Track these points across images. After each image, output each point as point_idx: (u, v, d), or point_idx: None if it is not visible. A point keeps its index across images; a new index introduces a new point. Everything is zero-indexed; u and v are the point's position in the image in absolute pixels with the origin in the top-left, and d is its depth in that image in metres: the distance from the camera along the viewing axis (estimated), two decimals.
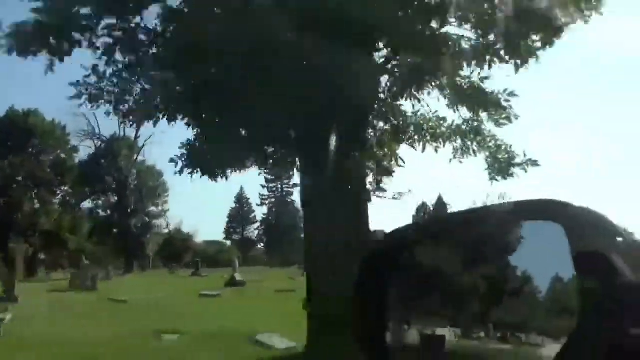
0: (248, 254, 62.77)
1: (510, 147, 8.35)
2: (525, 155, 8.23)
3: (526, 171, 8.22)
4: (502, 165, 8.22)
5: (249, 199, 69.80)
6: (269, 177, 68.93)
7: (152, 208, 46.06)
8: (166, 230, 65.83)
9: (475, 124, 8.32)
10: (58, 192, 41.76)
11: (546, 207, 0.76)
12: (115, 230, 41.66)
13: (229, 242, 67.93)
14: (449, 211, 75.55)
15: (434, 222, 1.61)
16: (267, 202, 70.10)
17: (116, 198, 44.51)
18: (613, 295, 0.66)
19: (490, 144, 8.38)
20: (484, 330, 0.83)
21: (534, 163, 8.17)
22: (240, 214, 68.34)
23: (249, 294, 19.17)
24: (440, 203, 76.48)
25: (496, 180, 8.33)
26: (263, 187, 69.40)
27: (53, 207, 40.49)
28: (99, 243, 39.44)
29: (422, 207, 76.63)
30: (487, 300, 0.84)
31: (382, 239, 1.38)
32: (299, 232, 65.34)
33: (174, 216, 62.84)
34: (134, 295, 18.53)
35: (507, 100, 7.77)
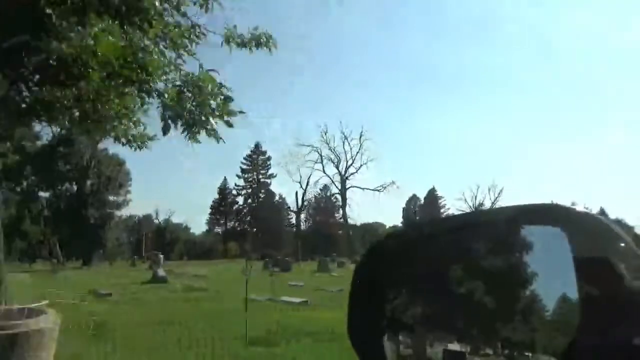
0: (230, 245, 60.60)
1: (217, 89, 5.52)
2: (224, 100, 5.40)
3: (230, 125, 5.55)
4: (193, 114, 5.45)
5: (232, 190, 67.50)
6: (245, 167, 66.72)
7: (113, 198, 43.94)
8: (156, 221, 65.31)
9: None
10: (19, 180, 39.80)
11: (549, 212, 0.76)
12: (73, 221, 39.65)
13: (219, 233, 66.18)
14: (440, 203, 73.07)
15: (431, 223, 1.53)
16: (242, 192, 67.62)
17: (75, 187, 42.48)
18: (619, 304, 0.66)
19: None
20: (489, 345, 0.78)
21: (231, 112, 5.51)
22: (222, 205, 66.00)
23: (149, 293, 17.03)
24: (432, 195, 74.24)
25: (196, 140, 5.61)
26: (239, 177, 67.04)
27: (12, 196, 38.59)
28: (55, 234, 37.56)
29: (412, 199, 74.31)
30: (489, 313, 0.80)
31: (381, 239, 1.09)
32: (278, 222, 63.41)
33: (164, 207, 62.27)
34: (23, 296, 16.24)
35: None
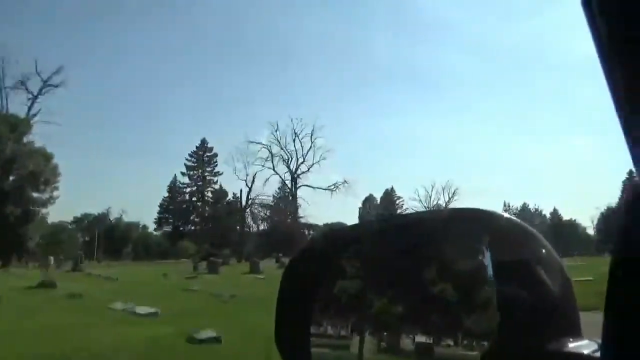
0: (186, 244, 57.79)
1: None
2: None
3: None
4: None
5: (182, 187, 64.66)
6: (190, 163, 64.10)
7: (37, 195, 40.67)
8: (112, 220, 62.95)
9: None
10: None
11: (474, 216, 0.78)
12: None
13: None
14: (397, 203, 72.48)
15: (364, 225, 1.45)
16: (187, 190, 64.84)
17: None
18: (536, 307, 0.66)
19: None
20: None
21: None
22: (172, 203, 63.18)
23: (11, 301, 14.95)
24: (388, 195, 73.46)
25: None
26: (183, 174, 64.20)
27: None
28: None
29: (369, 199, 73.32)
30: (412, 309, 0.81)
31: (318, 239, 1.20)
32: (228, 221, 61.12)
33: (116, 205, 60.02)
34: None
35: None
